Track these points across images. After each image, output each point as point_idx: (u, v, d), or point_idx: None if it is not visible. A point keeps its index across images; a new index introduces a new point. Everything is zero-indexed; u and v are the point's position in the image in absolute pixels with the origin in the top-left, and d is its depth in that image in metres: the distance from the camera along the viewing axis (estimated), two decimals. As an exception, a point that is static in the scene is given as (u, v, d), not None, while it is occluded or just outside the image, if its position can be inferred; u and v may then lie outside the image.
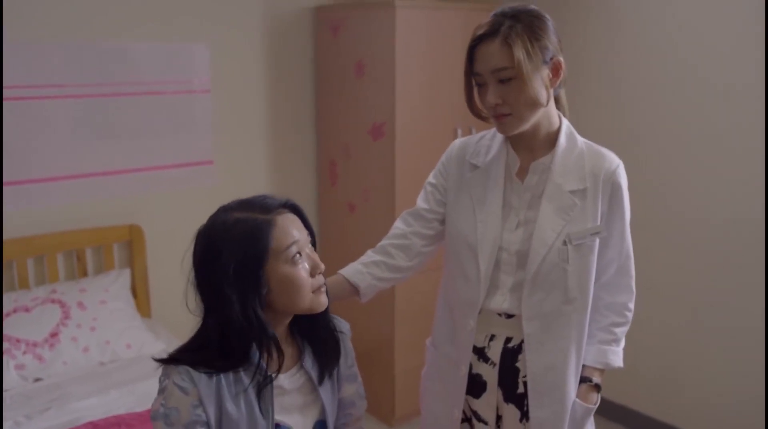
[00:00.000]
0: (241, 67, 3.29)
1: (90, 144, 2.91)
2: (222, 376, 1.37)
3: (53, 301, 2.73)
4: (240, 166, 3.36)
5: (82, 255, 2.95)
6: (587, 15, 3.26)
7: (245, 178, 3.36)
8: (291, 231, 1.37)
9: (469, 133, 3.13)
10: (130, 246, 3.07)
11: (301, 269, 1.38)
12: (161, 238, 3.14)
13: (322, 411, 1.51)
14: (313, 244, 1.46)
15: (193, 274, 1.40)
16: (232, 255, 1.33)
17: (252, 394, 1.39)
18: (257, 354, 1.38)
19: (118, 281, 2.95)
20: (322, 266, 1.42)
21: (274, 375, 1.42)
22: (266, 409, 1.41)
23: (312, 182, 3.63)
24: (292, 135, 3.52)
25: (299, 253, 1.37)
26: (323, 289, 1.43)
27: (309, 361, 1.49)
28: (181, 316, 3.39)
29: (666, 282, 3.13)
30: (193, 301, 1.41)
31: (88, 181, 2.93)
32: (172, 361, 1.38)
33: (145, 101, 3.01)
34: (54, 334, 2.65)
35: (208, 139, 3.22)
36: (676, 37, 2.97)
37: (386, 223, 3.06)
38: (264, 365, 1.39)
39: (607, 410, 3.42)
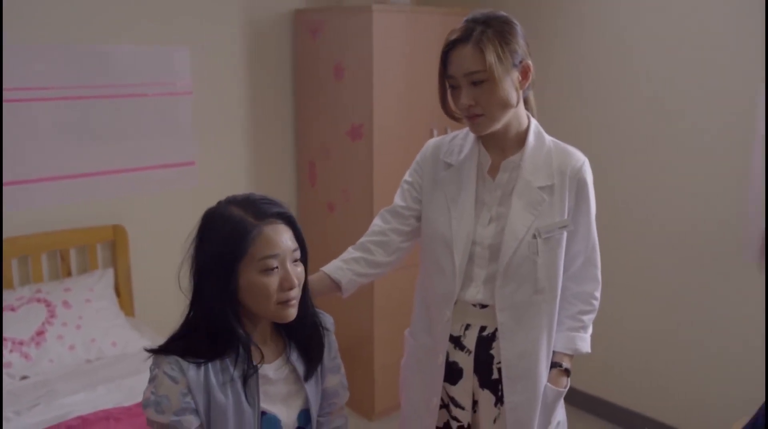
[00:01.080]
0: (222, 69, 3.36)
1: (74, 146, 2.96)
2: (210, 365, 1.44)
3: (38, 301, 2.77)
4: (221, 166, 3.42)
5: (66, 255, 3.00)
6: (555, 19, 3.37)
7: (227, 179, 3.43)
8: (274, 243, 1.42)
9: (445, 133, 3.19)
10: (114, 246, 3.12)
11: (272, 281, 1.43)
12: (145, 238, 3.20)
13: (306, 401, 1.58)
14: (304, 258, 1.51)
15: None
16: (213, 245, 1.42)
17: (239, 383, 1.46)
18: (240, 344, 1.46)
19: (102, 281, 3.00)
20: (295, 282, 1.45)
21: (259, 365, 1.50)
22: (252, 397, 1.48)
23: (292, 182, 3.71)
24: (272, 136, 3.59)
25: (276, 266, 1.43)
26: (292, 303, 1.47)
27: (295, 355, 1.57)
28: (164, 315, 3.45)
29: (638, 277, 3.25)
30: (187, 282, 1.49)
31: (72, 182, 2.98)
32: (162, 351, 1.45)
33: (128, 103, 3.07)
34: (40, 333, 2.70)
35: (190, 140, 3.28)
36: (642, 39, 3.08)
37: (365, 222, 3.15)
38: (247, 355, 1.46)
39: (581, 401, 3.53)
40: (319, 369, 1.61)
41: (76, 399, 2.43)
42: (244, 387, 1.47)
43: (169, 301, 3.25)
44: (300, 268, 1.49)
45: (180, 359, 1.42)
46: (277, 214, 1.46)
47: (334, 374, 1.67)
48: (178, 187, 3.29)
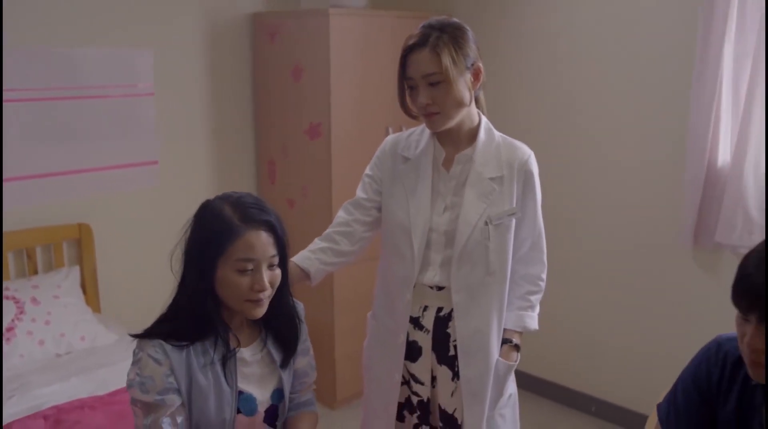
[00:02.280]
0: (184, 71, 3.45)
1: (39, 146, 3.02)
2: (191, 348, 1.57)
3: (6, 298, 2.83)
4: (183, 165, 3.51)
5: (32, 253, 3.06)
6: (500, 24, 3.56)
7: (189, 178, 3.52)
8: (252, 247, 1.54)
9: (399, 131, 3.37)
10: (80, 244, 3.19)
11: (244, 281, 1.55)
12: (110, 235, 3.27)
13: (280, 381, 1.71)
14: (283, 264, 1.62)
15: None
16: (200, 236, 1.56)
17: (218, 365, 1.59)
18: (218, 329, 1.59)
19: (69, 278, 3.07)
20: (265, 286, 1.56)
21: (237, 349, 1.63)
22: (230, 378, 1.61)
23: (252, 180, 3.82)
24: (232, 136, 3.70)
25: (251, 268, 1.54)
26: (261, 303, 1.59)
27: (270, 341, 1.70)
28: (129, 312, 3.55)
29: (580, 262, 3.46)
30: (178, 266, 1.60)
31: (38, 181, 3.04)
32: (146, 335, 1.57)
33: (92, 105, 3.14)
34: (10, 329, 2.76)
35: (152, 140, 3.37)
36: (580, 42, 3.30)
37: (324, 217, 3.31)
38: (225, 340, 1.59)
39: (530, 384, 3.72)
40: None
41: (50, 390, 2.50)
42: (224, 369, 1.60)
43: (134, 297, 3.36)
44: (276, 272, 1.60)
45: (163, 342, 1.54)
46: (262, 221, 1.56)
47: (304, 356, 1.81)
48: (141, 185, 3.37)
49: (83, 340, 2.90)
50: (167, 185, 3.44)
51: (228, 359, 1.60)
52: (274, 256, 1.58)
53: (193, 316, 1.57)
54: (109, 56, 3.16)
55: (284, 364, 1.71)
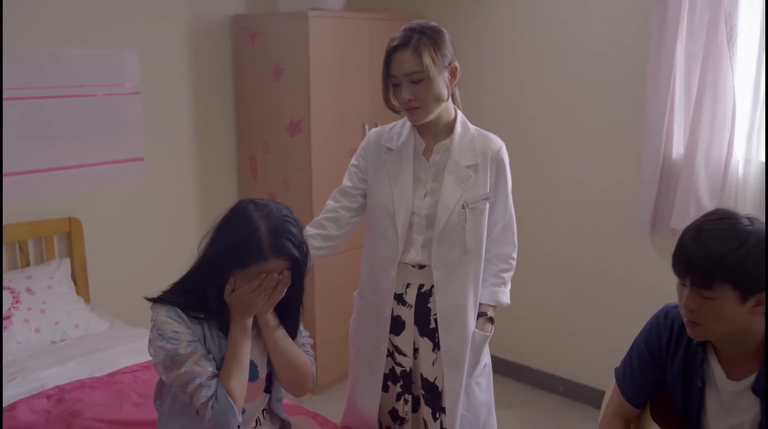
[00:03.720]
0: (168, 70, 3.60)
1: (30, 144, 3.14)
2: (206, 323, 1.74)
3: (3, 288, 2.95)
4: (169, 162, 3.66)
5: (24, 246, 3.18)
6: (467, 25, 3.77)
7: (174, 173, 3.67)
8: (269, 270, 1.66)
9: (375, 127, 3.57)
10: (70, 237, 3.31)
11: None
12: (98, 229, 3.41)
13: None
14: (299, 282, 1.75)
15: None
16: (227, 243, 1.68)
17: (225, 339, 1.75)
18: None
19: (60, 270, 3.20)
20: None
21: None
22: None
23: (234, 175, 3.97)
24: (215, 132, 3.85)
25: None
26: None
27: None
28: (118, 302, 3.68)
29: (548, 252, 3.68)
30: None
31: (30, 177, 3.16)
32: (162, 301, 1.72)
33: (80, 103, 3.27)
34: (7, 318, 2.88)
35: (139, 137, 3.51)
36: (544, 43, 3.52)
37: (305, 209, 3.49)
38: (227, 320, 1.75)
39: (501, 368, 3.93)
40: None
41: (50, 373, 2.64)
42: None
43: (121, 288, 3.49)
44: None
45: (179, 310, 1.70)
46: (291, 256, 1.68)
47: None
48: (129, 181, 3.50)
49: (77, 327, 3.03)
50: (153, 181, 3.58)
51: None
52: (283, 275, 1.71)
53: (200, 299, 1.73)
54: (97, 56, 3.30)
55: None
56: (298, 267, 1.72)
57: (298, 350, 1.88)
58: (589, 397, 3.63)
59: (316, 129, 3.51)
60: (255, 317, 1.77)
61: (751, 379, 1.65)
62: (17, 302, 2.94)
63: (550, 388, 3.81)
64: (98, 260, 3.41)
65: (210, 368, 1.68)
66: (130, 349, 2.86)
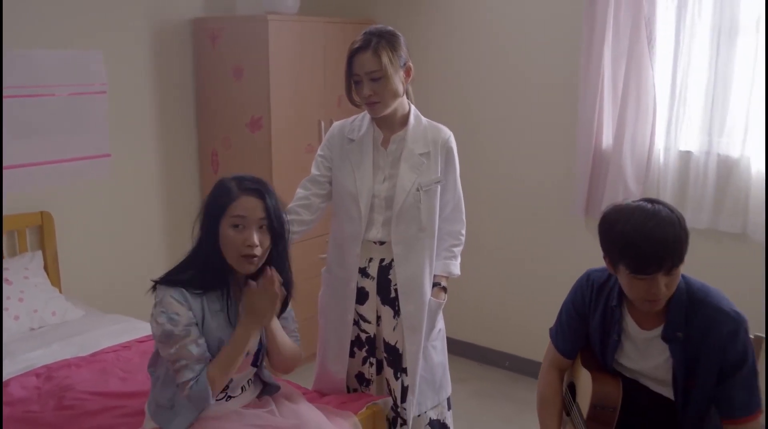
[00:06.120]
0: (132, 71, 3.77)
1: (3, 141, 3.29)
2: (205, 297, 1.96)
3: (2, 276, 3.10)
4: (134, 157, 3.83)
5: (-3, 239, 3.32)
6: (412, 28, 4.06)
7: (138, 168, 3.84)
8: (244, 208, 1.93)
9: (330, 124, 3.82)
10: (41, 230, 3.47)
11: (237, 236, 1.93)
12: (69, 222, 3.56)
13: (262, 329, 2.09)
14: (271, 226, 1.96)
15: None
16: (208, 202, 1.98)
17: (224, 312, 1.99)
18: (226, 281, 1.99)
19: (34, 262, 3.34)
20: (254, 242, 1.92)
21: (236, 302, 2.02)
22: (233, 321, 2.01)
23: (196, 169, 4.16)
24: (177, 129, 4.04)
25: (242, 225, 1.92)
26: (252, 260, 1.95)
27: None
28: (89, 291, 3.84)
29: (490, 236, 3.99)
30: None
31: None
32: (168, 282, 1.95)
33: (49, 102, 3.42)
34: (-14, 305, 3.03)
35: (105, 134, 3.67)
36: (485, 44, 3.84)
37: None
38: (228, 290, 1.99)
39: (450, 347, 4.21)
40: None
41: (36, 354, 2.81)
42: (228, 314, 2.00)
43: (93, 278, 3.66)
44: (264, 236, 1.96)
45: (184, 290, 1.93)
46: (254, 189, 1.96)
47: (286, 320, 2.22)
48: (96, 176, 3.66)
49: (54, 315, 3.19)
50: (119, 176, 3.75)
51: (230, 308, 2.00)
52: (262, 219, 1.96)
53: (204, 270, 1.96)
54: (63, 57, 3.45)
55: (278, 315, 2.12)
56: (265, 200, 1.94)
57: (290, 342, 2.15)
58: (534, 370, 3.87)
59: (276, 125, 3.74)
60: None
61: (659, 329, 1.96)
62: (-4, 291, 3.09)
63: (496, 363, 4.12)
64: (69, 252, 3.57)
65: (196, 352, 1.91)
66: (108, 332, 3.04)
